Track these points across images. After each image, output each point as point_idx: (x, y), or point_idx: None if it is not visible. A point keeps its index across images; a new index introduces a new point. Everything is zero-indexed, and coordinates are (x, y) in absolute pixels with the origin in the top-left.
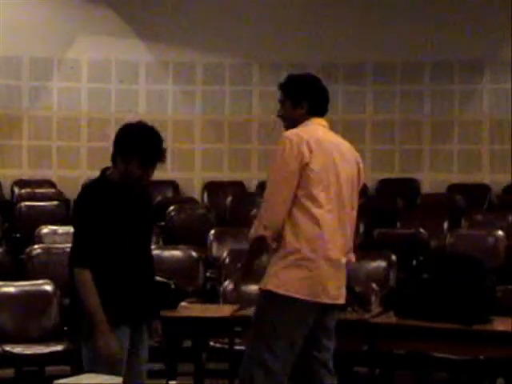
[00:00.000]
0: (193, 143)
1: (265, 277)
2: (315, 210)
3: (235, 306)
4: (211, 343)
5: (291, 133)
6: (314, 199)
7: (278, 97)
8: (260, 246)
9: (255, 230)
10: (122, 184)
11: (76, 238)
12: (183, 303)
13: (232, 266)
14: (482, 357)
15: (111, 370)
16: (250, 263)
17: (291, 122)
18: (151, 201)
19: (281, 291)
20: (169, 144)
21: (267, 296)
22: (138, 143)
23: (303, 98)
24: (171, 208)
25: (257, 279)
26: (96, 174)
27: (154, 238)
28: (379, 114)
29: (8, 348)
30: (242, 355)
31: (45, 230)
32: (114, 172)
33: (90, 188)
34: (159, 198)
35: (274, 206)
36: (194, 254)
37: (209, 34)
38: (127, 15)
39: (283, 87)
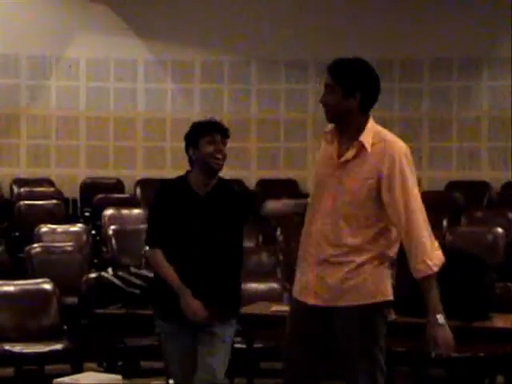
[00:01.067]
0: None
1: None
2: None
3: None
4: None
5: (402, 143)
6: None
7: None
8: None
9: (428, 267)
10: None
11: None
12: None
13: None
14: (481, 354)
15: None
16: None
17: (337, 114)
18: (237, 198)
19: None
20: (167, 142)
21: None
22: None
23: (357, 87)
24: None
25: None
26: (95, 172)
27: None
28: (378, 112)
29: (7, 347)
30: (242, 353)
31: (44, 228)
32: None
33: (164, 181)
34: None
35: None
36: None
37: (207, 32)
38: (125, 14)
39: (334, 71)
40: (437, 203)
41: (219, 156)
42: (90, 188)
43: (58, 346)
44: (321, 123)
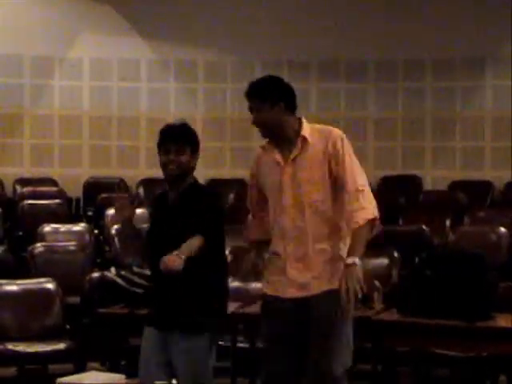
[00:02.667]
0: None
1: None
2: None
3: (237, 304)
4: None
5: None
6: None
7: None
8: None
9: (370, 212)
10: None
11: None
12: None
13: (234, 264)
14: (484, 353)
15: None
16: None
17: (271, 126)
18: (201, 198)
19: None
20: None
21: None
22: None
23: (279, 97)
24: None
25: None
26: (98, 172)
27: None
28: (381, 112)
29: (10, 346)
30: (244, 353)
31: (47, 228)
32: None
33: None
34: None
35: (370, 193)
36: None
37: (210, 32)
38: (129, 13)
39: (255, 93)
40: (440, 203)
41: (171, 167)
42: (93, 187)
43: (61, 346)
44: (324, 123)
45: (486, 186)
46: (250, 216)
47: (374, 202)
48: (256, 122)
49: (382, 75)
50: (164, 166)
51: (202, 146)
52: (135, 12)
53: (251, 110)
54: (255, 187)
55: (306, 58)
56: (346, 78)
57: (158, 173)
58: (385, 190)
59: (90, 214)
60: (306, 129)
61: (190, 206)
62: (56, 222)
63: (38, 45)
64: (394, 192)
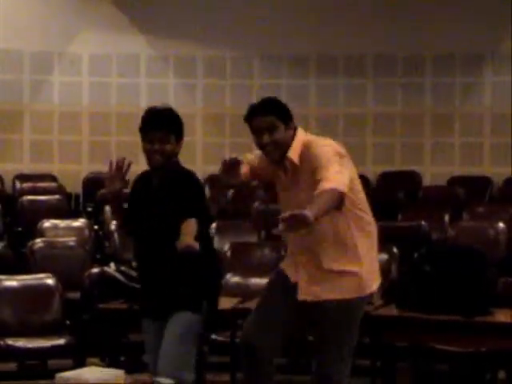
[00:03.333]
0: (194, 136)
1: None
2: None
3: (237, 299)
4: (213, 336)
5: (330, 145)
6: None
7: (263, 125)
8: (340, 202)
9: (337, 184)
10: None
11: None
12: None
13: (234, 259)
14: (483, 349)
15: None
16: (322, 215)
17: (285, 148)
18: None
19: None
20: None
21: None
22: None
23: (290, 116)
24: None
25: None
26: (97, 167)
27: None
28: (380, 107)
29: (10, 342)
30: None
31: (46, 223)
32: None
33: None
34: None
35: (345, 175)
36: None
37: (209, 27)
38: (128, 9)
39: (272, 109)
40: (439, 198)
41: (156, 157)
42: (93, 183)
43: (61, 341)
44: (322, 118)
45: (484, 181)
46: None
47: (344, 180)
48: (273, 142)
49: (381, 71)
50: (148, 154)
51: (201, 141)
52: (134, 8)
53: (259, 130)
54: (258, 167)
55: (304, 54)
56: (345, 74)
57: None
58: (384, 185)
59: (89, 209)
60: (295, 149)
61: (176, 190)
62: (55, 218)
63: (38, 41)
64: (392, 188)
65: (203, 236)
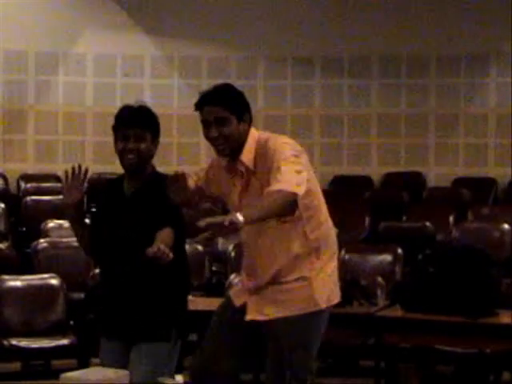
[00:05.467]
0: (198, 137)
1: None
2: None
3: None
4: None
5: (283, 138)
6: None
7: (206, 116)
8: (291, 205)
9: (288, 185)
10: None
11: None
12: (189, 297)
13: (237, 260)
14: (487, 350)
15: None
16: (262, 219)
17: (236, 143)
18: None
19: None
20: (174, 138)
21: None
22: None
23: (245, 109)
24: None
25: None
26: (101, 168)
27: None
28: (385, 108)
29: (14, 342)
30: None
31: (50, 224)
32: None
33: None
34: None
35: (302, 176)
36: (199, 248)
37: (214, 27)
38: (132, 9)
39: (224, 101)
40: (443, 199)
41: (130, 156)
42: (97, 183)
43: (65, 341)
44: (327, 119)
45: (489, 182)
46: None
47: (298, 181)
48: (221, 136)
49: (386, 72)
50: (121, 154)
51: (205, 142)
52: (139, 8)
53: (207, 122)
54: (206, 182)
55: (309, 54)
56: (350, 75)
57: (161, 169)
58: (388, 186)
59: (93, 210)
60: (248, 150)
61: (152, 199)
62: (60, 218)
63: (42, 41)
64: (397, 189)
65: (178, 249)
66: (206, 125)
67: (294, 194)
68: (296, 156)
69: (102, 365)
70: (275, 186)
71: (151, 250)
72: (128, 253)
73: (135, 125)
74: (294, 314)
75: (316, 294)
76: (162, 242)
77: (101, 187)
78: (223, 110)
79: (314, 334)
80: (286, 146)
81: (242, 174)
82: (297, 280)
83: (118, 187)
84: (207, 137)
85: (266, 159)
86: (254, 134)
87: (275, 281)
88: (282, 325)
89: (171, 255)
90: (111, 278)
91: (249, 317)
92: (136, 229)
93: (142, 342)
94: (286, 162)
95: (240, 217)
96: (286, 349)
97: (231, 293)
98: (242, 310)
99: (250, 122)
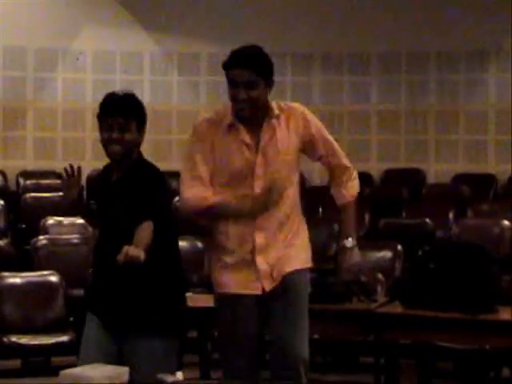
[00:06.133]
0: None
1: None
2: None
3: None
4: (216, 334)
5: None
6: None
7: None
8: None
9: (357, 188)
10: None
11: None
12: (189, 294)
13: None
14: (487, 346)
15: None
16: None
17: (260, 107)
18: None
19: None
20: (174, 135)
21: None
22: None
23: (271, 74)
24: (176, 199)
25: None
26: (101, 165)
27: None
28: (384, 104)
29: (14, 339)
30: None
31: (50, 221)
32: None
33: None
34: None
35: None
36: (199, 244)
37: (213, 23)
38: (132, 6)
39: (253, 64)
40: (443, 196)
41: (114, 146)
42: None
43: (65, 338)
44: (327, 115)
45: (489, 179)
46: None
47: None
48: (248, 99)
49: (386, 68)
50: (106, 144)
51: None
52: (138, 5)
53: (235, 83)
54: (211, 160)
55: (309, 51)
56: (349, 71)
57: (161, 165)
58: (388, 182)
59: (93, 206)
60: (274, 109)
61: (134, 185)
62: (59, 215)
63: (41, 37)
64: (397, 185)
65: (165, 243)
66: (234, 85)
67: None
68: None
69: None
70: (344, 161)
71: (120, 258)
72: (115, 243)
73: (119, 114)
74: (303, 267)
75: (309, 252)
76: (136, 241)
77: (96, 175)
78: (253, 73)
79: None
80: (316, 119)
81: (250, 142)
82: (297, 236)
83: (107, 174)
84: (234, 97)
85: (294, 122)
86: (274, 103)
87: (280, 237)
88: (299, 276)
89: (142, 256)
90: (101, 268)
91: (269, 287)
92: (120, 218)
93: (134, 336)
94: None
95: (350, 242)
96: (298, 301)
97: (231, 288)
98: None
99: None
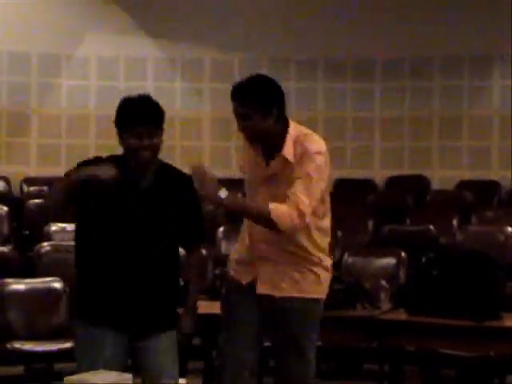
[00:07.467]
0: (201, 140)
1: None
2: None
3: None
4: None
5: (319, 143)
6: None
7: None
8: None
9: (286, 221)
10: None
11: None
12: None
13: None
14: (491, 353)
15: None
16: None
17: (259, 135)
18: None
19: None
20: (177, 141)
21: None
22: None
23: (272, 104)
24: None
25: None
26: None
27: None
28: (388, 111)
29: (17, 345)
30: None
31: (53, 227)
32: None
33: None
34: None
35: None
36: (203, 251)
37: (217, 30)
38: (135, 12)
39: (244, 100)
40: (447, 202)
41: (146, 153)
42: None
43: (68, 344)
44: (330, 122)
45: (493, 185)
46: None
47: (305, 210)
48: (245, 131)
49: (389, 74)
50: (136, 151)
51: (208, 145)
52: (142, 11)
53: (236, 115)
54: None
55: (313, 57)
56: (353, 78)
57: None
58: (392, 189)
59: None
60: (289, 145)
61: (175, 192)
62: (63, 222)
63: (45, 43)
64: (401, 192)
65: (177, 246)
66: (236, 116)
67: (293, 228)
68: (320, 169)
69: (103, 358)
70: (290, 205)
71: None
72: (141, 245)
73: (151, 123)
74: (308, 297)
75: (323, 283)
76: (192, 290)
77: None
78: (245, 107)
79: (318, 321)
80: (318, 157)
81: (268, 160)
82: (312, 264)
83: (126, 176)
84: (237, 125)
85: (301, 158)
86: (293, 127)
87: (292, 259)
88: (297, 303)
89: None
90: (116, 269)
91: (261, 290)
92: (152, 222)
93: (152, 334)
94: (310, 177)
95: (223, 194)
96: (297, 328)
97: (233, 273)
98: (251, 290)
99: (282, 113)
